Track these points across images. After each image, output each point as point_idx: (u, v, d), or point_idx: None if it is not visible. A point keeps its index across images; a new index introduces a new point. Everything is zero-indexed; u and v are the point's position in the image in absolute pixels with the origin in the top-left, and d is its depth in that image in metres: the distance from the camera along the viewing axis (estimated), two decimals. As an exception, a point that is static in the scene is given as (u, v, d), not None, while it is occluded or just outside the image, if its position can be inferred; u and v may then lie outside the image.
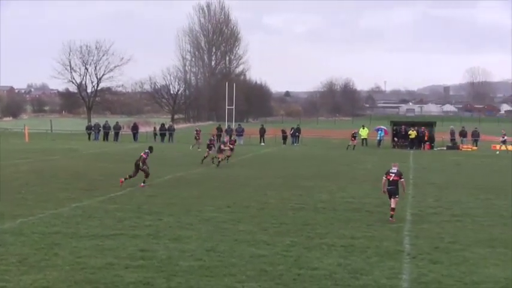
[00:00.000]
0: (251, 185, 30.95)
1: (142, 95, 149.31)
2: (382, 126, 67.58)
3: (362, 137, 64.36)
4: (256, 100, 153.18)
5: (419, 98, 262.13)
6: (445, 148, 61.00)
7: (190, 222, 20.65)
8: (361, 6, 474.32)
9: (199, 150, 53.35)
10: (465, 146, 61.64)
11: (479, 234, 19.43)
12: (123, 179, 29.47)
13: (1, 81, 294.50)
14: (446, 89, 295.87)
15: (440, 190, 29.66)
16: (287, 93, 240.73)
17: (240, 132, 69.63)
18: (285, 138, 68.65)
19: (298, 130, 68.89)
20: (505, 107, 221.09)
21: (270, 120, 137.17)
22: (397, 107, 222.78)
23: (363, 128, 65.53)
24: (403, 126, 63.16)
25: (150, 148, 31.36)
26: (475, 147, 61.39)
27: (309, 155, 51.03)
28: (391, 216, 21.58)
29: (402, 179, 22.02)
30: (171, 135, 71.77)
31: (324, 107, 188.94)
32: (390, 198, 21.84)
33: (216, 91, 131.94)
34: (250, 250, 16.70)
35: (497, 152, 55.98)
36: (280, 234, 18.81)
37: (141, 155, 30.38)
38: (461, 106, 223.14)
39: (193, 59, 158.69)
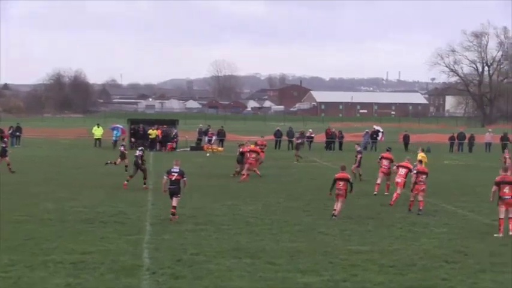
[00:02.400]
0: (-39, 194, 29.48)
1: None
2: (118, 125, 67.59)
3: (96, 137, 64.02)
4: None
5: (160, 93, 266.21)
6: (188, 149, 62.51)
7: None
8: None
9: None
10: (210, 147, 63.61)
11: (224, 243, 20.20)
12: (126, 182, 32.70)
13: None
14: (190, 83, 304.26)
15: (184, 195, 30.31)
16: (5, 86, 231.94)
17: None
18: (1, 138, 66.16)
19: (18, 129, 66.82)
20: (252, 104, 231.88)
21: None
22: (136, 103, 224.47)
23: (98, 127, 65.16)
24: (141, 125, 63.67)
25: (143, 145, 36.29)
26: (220, 148, 63.54)
27: (34, 158, 49.69)
28: (173, 214, 23.72)
29: (185, 178, 24.22)
30: None
31: (51, 102, 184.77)
32: (171, 197, 23.88)
33: None
34: (-41, 273, 15.92)
35: (208, 154, 57.84)
36: (-2, 252, 18.16)
37: (138, 154, 33.53)
38: (205, 102, 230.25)
39: None
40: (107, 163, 40.15)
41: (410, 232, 22.87)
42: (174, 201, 24.08)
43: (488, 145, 66.18)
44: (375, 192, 31.85)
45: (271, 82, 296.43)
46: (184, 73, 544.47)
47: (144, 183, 32.94)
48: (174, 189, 24.17)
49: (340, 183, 25.26)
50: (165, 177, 24.52)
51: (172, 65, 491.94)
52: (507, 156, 38.02)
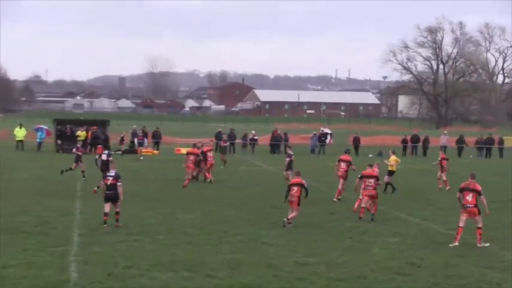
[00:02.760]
0: None
1: None
2: (42, 126, 66.87)
3: (18, 139, 63.26)
4: None
5: (89, 90, 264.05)
6: (120, 152, 62.11)
7: None
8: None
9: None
10: (145, 150, 63.34)
11: (159, 256, 20.11)
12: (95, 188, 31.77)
13: None
14: (122, 80, 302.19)
15: (115, 203, 30.18)
16: None
17: None
18: None
19: None
20: (190, 103, 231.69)
21: None
22: (62, 101, 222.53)
23: (20, 128, 64.39)
24: (68, 126, 63.11)
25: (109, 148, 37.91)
26: (156, 151, 63.40)
27: None
28: (105, 223, 24.06)
29: (119, 183, 24.24)
30: None
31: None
32: (107, 203, 24.08)
33: None
34: None
35: (141, 158, 57.65)
36: None
37: (107, 159, 33.68)
38: (139, 101, 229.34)
39: None
40: (63, 171, 38.84)
41: (360, 242, 23.07)
42: (107, 208, 24.18)
43: (443, 148, 66.93)
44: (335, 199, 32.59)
45: (211, 79, 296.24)
46: (116, 69, 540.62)
47: (95, 191, 32.05)
48: (110, 194, 24.27)
49: (294, 188, 25.26)
50: (102, 182, 24.73)
51: (103, 60, 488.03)
52: (442, 158, 38.27)
